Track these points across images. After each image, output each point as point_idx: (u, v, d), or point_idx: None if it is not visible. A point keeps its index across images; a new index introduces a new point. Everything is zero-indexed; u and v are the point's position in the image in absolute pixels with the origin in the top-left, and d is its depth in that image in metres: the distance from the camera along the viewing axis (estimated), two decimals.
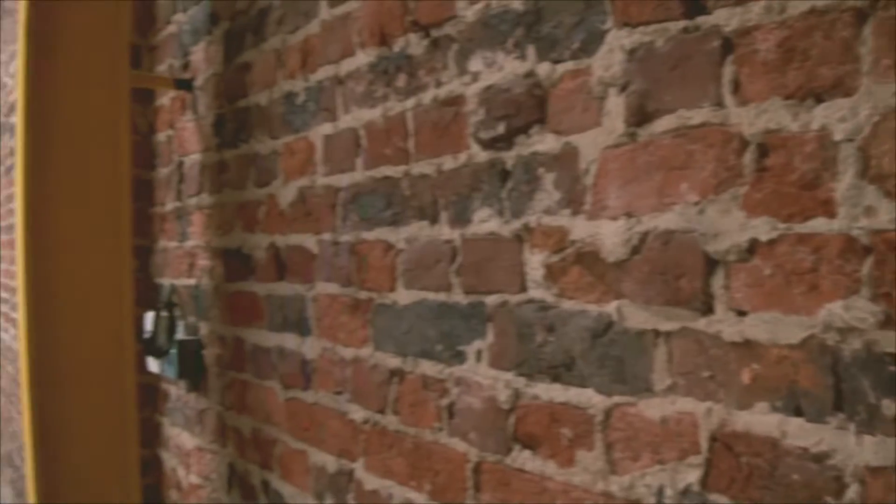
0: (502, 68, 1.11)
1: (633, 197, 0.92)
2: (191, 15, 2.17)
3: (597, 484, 0.97)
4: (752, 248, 0.79)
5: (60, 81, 1.91)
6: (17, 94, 1.93)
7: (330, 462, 1.54)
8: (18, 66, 1.91)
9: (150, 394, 2.45)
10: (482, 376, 1.15)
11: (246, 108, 1.85)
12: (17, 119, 1.91)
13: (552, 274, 1.03)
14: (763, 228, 0.78)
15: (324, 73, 1.54)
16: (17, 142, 1.90)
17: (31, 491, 1.94)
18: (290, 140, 1.66)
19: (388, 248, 1.36)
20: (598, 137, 0.96)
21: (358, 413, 1.45)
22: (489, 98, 1.14)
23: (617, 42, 0.94)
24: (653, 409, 0.90)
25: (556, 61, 1.02)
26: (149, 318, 2.25)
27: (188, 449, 2.24)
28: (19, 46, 1.91)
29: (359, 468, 1.45)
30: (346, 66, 1.47)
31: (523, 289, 1.08)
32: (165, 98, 2.36)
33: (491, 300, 1.14)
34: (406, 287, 1.32)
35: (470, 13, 1.16)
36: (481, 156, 1.15)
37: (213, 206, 2.04)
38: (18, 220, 1.91)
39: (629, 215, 0.92)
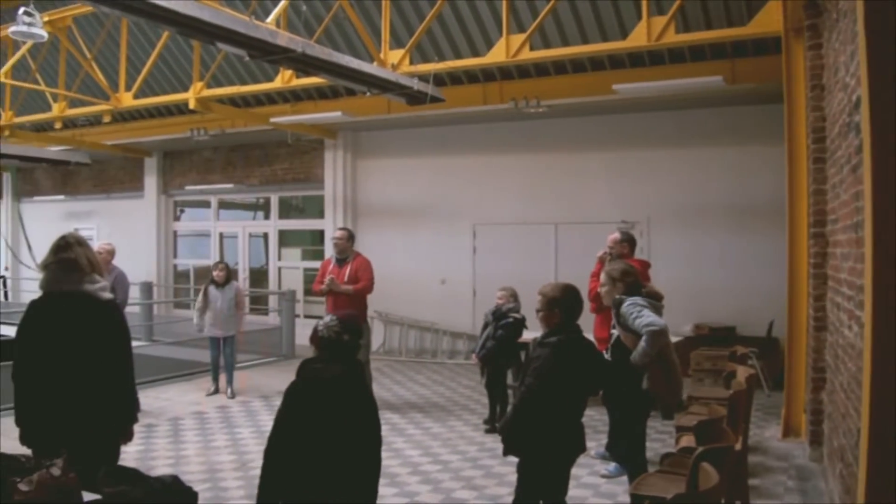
0: None
1: None
2: None
3: None
4: None
5: None
6: (861, 91, 1.91)
7: None
8: (860, 61, 1.89)
9: None
10: None
11: None
12: (862, 115, 1.88)
13: None
14: None
15: None
16: (864, 138, 1.87)
17: (861, 491, 1.91)
18: None
19: None
20: None
21: None
22: None
23: None
24: None
25: None
26: None
27: None
28: (860, 42, 1.89)
29: None
30: None
31: None
32: None
33: None
34: None
35: None
36: None
37: None
38: (867, 217, 1.87)
39: None
